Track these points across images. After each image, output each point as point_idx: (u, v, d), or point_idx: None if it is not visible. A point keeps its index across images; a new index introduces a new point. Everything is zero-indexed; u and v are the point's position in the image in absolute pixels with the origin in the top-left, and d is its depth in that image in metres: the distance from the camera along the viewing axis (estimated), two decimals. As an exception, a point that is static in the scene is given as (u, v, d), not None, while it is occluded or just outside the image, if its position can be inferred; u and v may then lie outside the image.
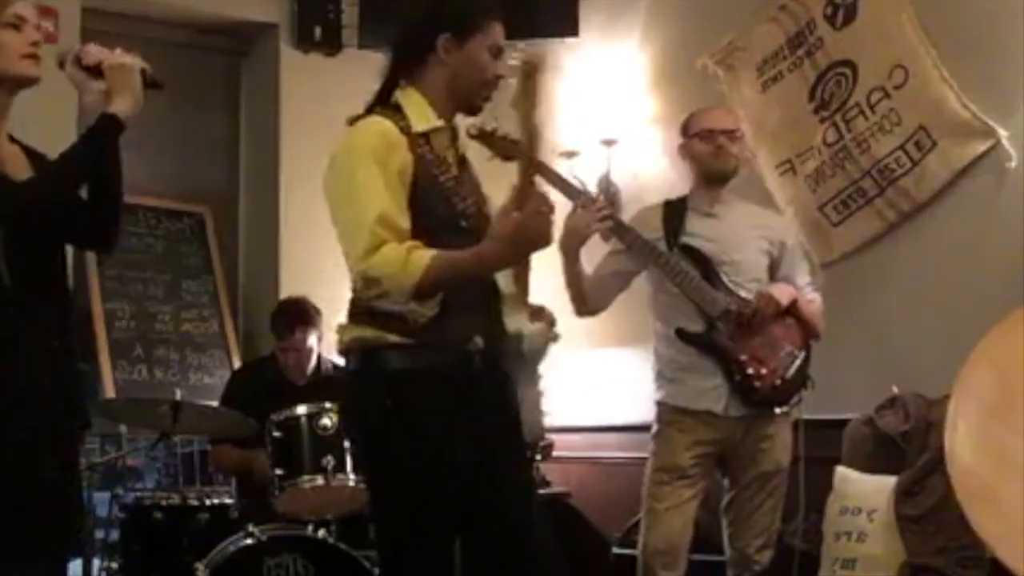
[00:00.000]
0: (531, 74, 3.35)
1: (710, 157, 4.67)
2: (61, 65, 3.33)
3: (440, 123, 3.39)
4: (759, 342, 4.54)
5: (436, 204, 3.29)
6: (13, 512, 3.12)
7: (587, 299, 4.65)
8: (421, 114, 3.37)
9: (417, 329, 3.19)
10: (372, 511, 3.45)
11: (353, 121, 3.42)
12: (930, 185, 5.37)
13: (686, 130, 4.77)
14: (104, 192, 3.38)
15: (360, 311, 3.28)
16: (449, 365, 3.23)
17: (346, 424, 3.38)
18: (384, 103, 3.46)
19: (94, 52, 3.35)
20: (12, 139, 3.35)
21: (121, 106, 3.26)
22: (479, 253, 3.19)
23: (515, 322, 3.41)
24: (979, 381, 4.09)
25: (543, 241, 3.18)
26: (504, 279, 3.39)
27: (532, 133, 3.27)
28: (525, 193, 3.25)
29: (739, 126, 4.81)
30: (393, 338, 3.21)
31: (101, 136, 3.26)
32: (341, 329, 3.34)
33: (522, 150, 3.35)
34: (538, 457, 3.82)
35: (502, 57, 3.43)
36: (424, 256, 3.14)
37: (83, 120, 3.39)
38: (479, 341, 3.25)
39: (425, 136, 3.34)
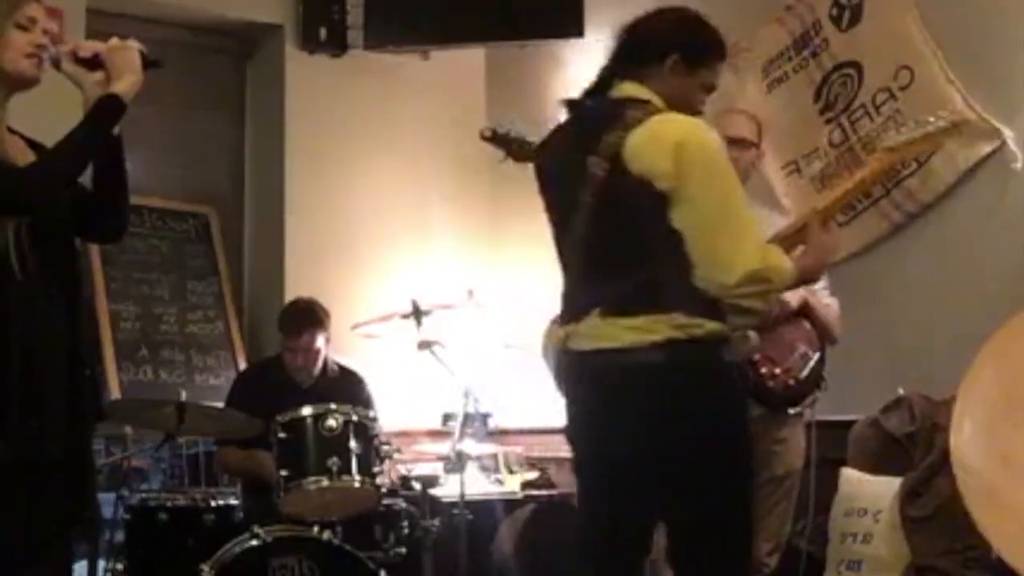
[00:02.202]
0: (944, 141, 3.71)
1: None
2: (57, 65, 3.33)
3: None
4: (773, 342, 4.53)
5: None
6: (23, 499, 3.13)
7: None
8: None
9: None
10: (708, 496, 3.29)
11: (615, 109, 3.38)
12: (935, 186, 5.37)
13: None
14: (108, 177, 3.38)
15: (702, 305, 3.25)
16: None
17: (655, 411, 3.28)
18: (605, 89, 3.49)
19: (89, 45, 3.35)
20: (12, 131, 3.35)
21: (121, 85, 3.26)
22: (811, 264, 3.46)
23: None
24: (985, 382, 4.10)
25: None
26: None
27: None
28: (831, 215, 3.59)
29: (751, 134, 4.74)
30: (729, 332, 3.31)
31: (102, 115, 3.25)
32: (687, 323, 3.24)
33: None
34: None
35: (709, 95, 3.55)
36: (787, 258, 3.34)
37: None
38: None
39: None
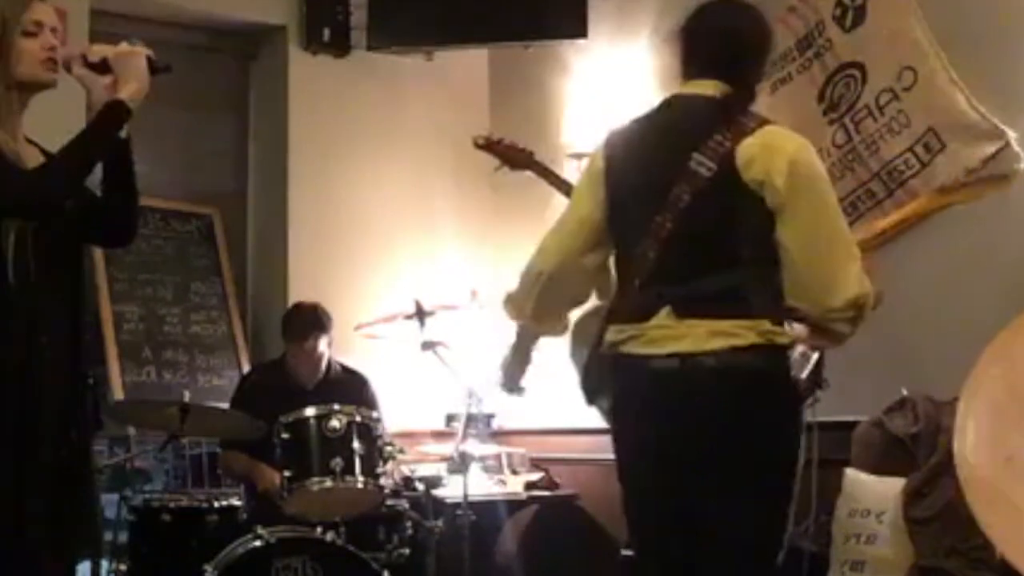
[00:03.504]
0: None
1: None
2: (67, 68, 3.33)
3: None
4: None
5: None
6: (19, 506, 3.12)
7: None
8: None
9: None
10: (771, 502, 3.34)
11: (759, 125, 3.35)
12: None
13: None
14: (117, 180, 3.39)
15: (783, 315, 3.32)
16: None
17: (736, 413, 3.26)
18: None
19: (98, 49, 3.36)
20: (28, 141, 3.36)
21: (126, 91, 3.27)
22: (878, 292, 3.45)
23: None
24: (988, 383, 4.10)
25: None
26: None
27: None
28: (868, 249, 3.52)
29: None
30: None
31: (107, 120, 3.27)
32: (772, 330, 3.28)
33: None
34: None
35: None
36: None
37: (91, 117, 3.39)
38: None
39: None
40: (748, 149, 3.25)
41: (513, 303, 3.64)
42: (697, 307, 3.24)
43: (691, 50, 3.49)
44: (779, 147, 3.27)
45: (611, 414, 3.47)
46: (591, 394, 3.57)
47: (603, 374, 3.45)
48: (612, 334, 3.36)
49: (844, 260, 3.29)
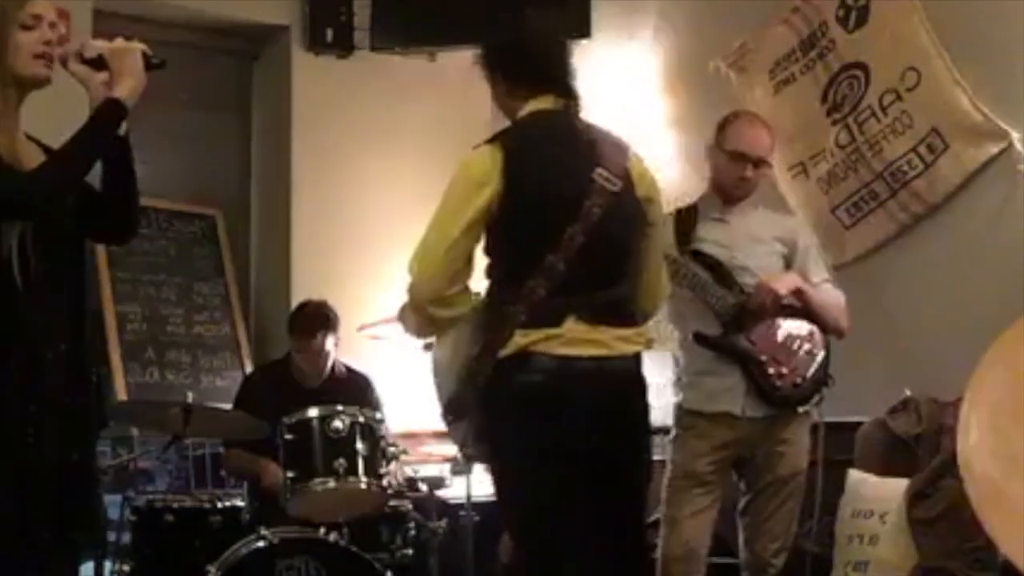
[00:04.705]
0: None
1: (731, 181, 4.60)
2: (64, 64, 3.32)
3: None
4: (778, 342, 4.52)
5: None
6: (21, 505, 3.12)
7: None
8: None
9: None
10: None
11: None
12: (943, 187, 5.37)
13: (721, 138, 4.64)
14: (116, 178, 3.37)
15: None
16: None
17: (643, 414, 3.59)
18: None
19: (95, 45, 3.35)
20: (28, 137, 3.35)
21: (122, 89, 3.26)
22: None
23: None
24: (992, 383, 4.08)
25: None
26: None
27: None
28: None
29: (770, 152, 4.68)
30: None
31: (103, 119, 3.26)
32: (650, 336, 3.59)
33: None
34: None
35: None
36: None
37: None
38: None
39: None
40: (638, 167, 3.54)
41: (416, 330, 3.76)
42: (603, 315, 3.43)
43: (520, 66, 3.60)
44: (647, 168, 3.60)
45: (510, 413, 3.49)
46: (459, 412, 3.71)
47: (487, 387, 3.50)
48: (520, 337, 3.40)
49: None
